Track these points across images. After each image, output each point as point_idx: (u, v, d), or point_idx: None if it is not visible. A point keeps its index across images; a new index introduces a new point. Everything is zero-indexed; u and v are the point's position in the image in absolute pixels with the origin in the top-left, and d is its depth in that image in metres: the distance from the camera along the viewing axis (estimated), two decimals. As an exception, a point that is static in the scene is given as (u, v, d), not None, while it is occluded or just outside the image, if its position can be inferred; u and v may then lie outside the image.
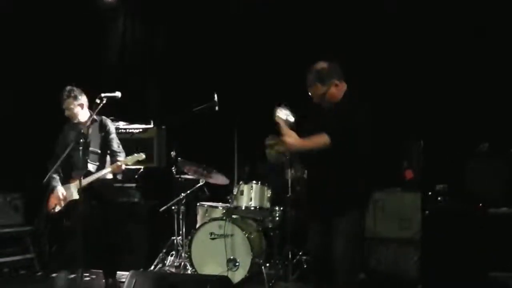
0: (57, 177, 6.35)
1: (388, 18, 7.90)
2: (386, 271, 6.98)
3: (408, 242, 6.92)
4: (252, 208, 6.83)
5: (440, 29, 7.74)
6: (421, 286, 6.50)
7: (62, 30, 8.68)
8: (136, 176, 7.83)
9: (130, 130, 8.00)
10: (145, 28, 9.27)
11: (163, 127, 8.01)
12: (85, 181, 6.08)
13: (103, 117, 6.46)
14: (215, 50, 8.61)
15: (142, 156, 6.32)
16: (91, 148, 6.29)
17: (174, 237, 7.28)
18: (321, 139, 4.52)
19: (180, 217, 7.20)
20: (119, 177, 6.73)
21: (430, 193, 7.15)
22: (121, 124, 8.05)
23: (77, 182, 6.09)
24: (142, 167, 7.78)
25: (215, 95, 6.91)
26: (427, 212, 7.04)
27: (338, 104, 4.74)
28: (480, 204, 6.88)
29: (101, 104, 5.62)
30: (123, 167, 6.25)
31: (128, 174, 7.86)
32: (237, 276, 6.55)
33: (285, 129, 4.68)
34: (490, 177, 7.09)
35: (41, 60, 8.57)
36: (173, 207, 7.22)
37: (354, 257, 4.65)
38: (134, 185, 7.83)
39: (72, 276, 7.05)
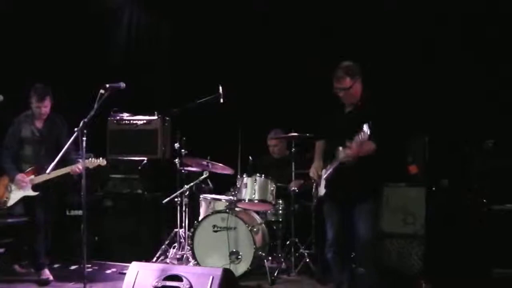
0: (14, 166, 6.60)
1: (390, 13, 7.86)
2: (389, 266, 6.97)
3: (412, 237, 6.90)
4: (256, 201, 6.80)
5: (443, 24, 7.69)
6: (424, 281, 6.47)
7: (66, 19, 8.63)
8: (140, 168, 7.80)
9: (134, 122, 7.98)
10: (152, 20, 9.23)
11: (167, 118, 7.99)
12: (41, 177, 6.47)
13: (57, 114, 6.77)
14: (221, 42, 8.60)
15: (104, 162, 6.58)
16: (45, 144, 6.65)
17: (177, 229, 7.27)
18: (371, 147, 5.00)
19: (183, 209, 7.19)
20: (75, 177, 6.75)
21: (434, 188, 7.13)
22: (125, 115, 8.03)
23: (31, 177, 6.53)
24: (145, 158, 7.76)
25: (220, 87, 6.89)
26: (431, 207, 7.03)
27: (363, 105, 5.26)
28: (484, 200, 6.86)
29: (106, 95, 5.57)
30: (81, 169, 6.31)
31: (131, 166, 7.87)
32: (240, 269, 6.54)
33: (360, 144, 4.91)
34: (494, 173, 7.06)
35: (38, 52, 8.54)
36: (176, 199, 7.20)
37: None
38: (137, 176, 7.81)
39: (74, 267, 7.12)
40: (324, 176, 5.39)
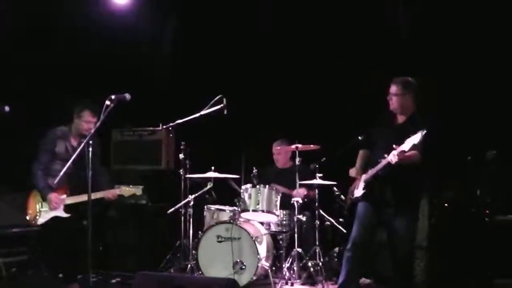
0: (47, 185, 6.38)
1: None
2: (390, 275, 6.97)
3: (415, 248, 6.91)
4: (260, 211, 6.83)
5: (448, 34, 7.73)
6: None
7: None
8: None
9: (139, 132, 8.02)
10: (156, 29, 9.27)
11: (172, 129, 8.01)
12: (73, 198, 6.29)
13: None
14: (226, 53, 8.63)
15: (140, 191, 6.46)
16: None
17: (181, 240, 7.29)
18: (418, 157, 5.27)
19: (188, 219, 7.22)
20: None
21: (436, 200, 7.15)
22: (129, 126, 8.08)
23: (63, 196, 6.32)
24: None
25: (224, 99, 6.92)
26: (433, 219, 7.05)
27: (414, 119, 5.48)
28: (487, 211, 6.88)
29: (111, 106, 5.59)
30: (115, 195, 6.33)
31: (136, 176, 7.91)
32: (244, 279, 6.56)
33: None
34: (497, 184, 7.08)
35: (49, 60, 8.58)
36: (180, 210, 7.23)
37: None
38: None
39: (79, 277, 7.13)
40: (364, 178, 5.59)
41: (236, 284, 5.61)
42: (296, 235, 6.89)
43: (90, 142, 5.44)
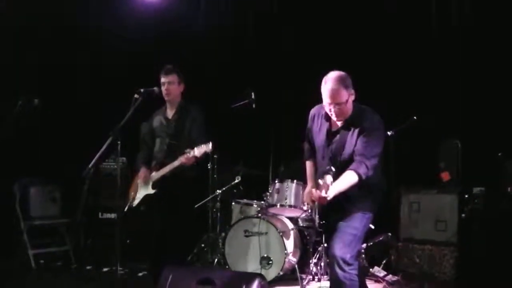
0: (142, 163, 6.07)
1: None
2: (420, 272, 6.94)
3: (444, 244, 6.88)
4: (287, 206, 6.81)
5: (476, 28, 7.63)
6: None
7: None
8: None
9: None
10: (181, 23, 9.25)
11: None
12: (157, 174, 5.88)
13: (193, 102, 6.13)
14: (255, 49, 8.60)
15: (209, 147, 5.69)
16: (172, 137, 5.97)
17: (209, 234, 7.30)
18: (352, 179, 4.42)
19: (215, 213, 7.22)
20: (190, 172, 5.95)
21: (467, 195, 7.08)
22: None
23: (153, 173, 5.96)
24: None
25: (252, 93, 6.91)
26: (464, 214, 6.99)
27: (353, 119, 4.61)
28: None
29: (140, 99, 5.60)
30: (192, 158, 5.64)
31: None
32: (271, 274, 6.55)
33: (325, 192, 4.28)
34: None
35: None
36: (208, 204, 7.24)
37: None
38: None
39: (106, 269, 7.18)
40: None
41: (264, 280, 5.61)
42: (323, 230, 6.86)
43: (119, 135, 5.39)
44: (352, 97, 4.59)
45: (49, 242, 7.80)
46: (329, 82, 4.52)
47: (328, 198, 4.27)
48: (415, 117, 6.72)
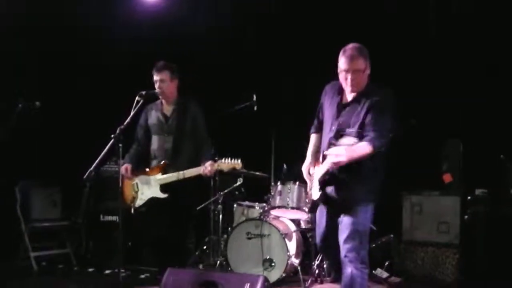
0: (130, 160, 5.96)
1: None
2: (423, 274, 6.94)
3: (447, 246, 6.87)
4: (290, 208, 6.80)
5: (478, 27, 7.62)
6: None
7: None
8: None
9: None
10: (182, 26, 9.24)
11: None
12: (170, 177, 5.75)
13: (191, 97, 6.04)
14: (256, 49, 8.59)
15: (240, 164, 5.69)
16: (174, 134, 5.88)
17: (211, 236, 7.29)
18: (365, 149, 4.37)
19: (217, 216, 7.20)
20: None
21: (469, 197, 7.07)
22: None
23: (158, 175, 5.86)
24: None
25: (254, 95, 6.90)
26: (466, 216, 6.98)
27: (367, 93, 4.56)
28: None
29: (141, 102, 5.59)
30: (214, 171, 5.64)
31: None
32: (273, 276, 6.52)
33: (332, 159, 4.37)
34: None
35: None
36: (210, 206, 7.22)
37: None
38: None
39: (108, 271, 7.16)
40: (317, 177, 4.74)
41: (268, 281, 5.60)
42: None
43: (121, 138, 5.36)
44: (368, 71, 4.57)
45: (50, 245, 7.79)
46: (348, 50, 4.56)
47: (343, 159, 4.29)
48: (412, 121, 6.72)
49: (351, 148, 4.36)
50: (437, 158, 7.36)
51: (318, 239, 4.97)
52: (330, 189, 4.66)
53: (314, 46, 8.22)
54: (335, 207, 4.69)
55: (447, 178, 7.26)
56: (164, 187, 5.80)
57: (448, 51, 7.71)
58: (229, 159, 5.73)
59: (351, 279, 4.53)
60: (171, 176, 5.75)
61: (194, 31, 8.58)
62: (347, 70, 4.52)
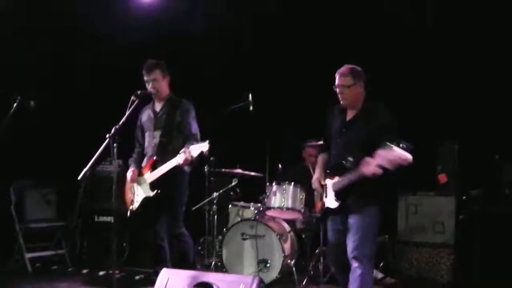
0: (134, 163, 5.98)
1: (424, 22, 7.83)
2: (418, 275, 6.94)
3: (442, 247, 6.88)
4: (285, 209, 6.78)
5: (476, 30, 7.63)
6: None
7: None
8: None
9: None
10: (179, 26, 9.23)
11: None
12: (154, 174, 5.73)
13: (183, 98, 6.00)
14: (251, 49, 8.59)
15: (206, 146, 5.47)
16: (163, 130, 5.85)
17: (205, 237, 7.27)
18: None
19: (212, 216, 7.19)
20: (186, 169, 5.84)
21: (464, 198, 7.08)
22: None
23: (147, 173, 5.83)
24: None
25: (250, 95, 6.89)
26: (461, 216, 6.99)
27: (366, 113, 4.94)
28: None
29: (137, 101, 5.56)
30: (188, 159, 5.44)
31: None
32: (268, 277, 6.52)
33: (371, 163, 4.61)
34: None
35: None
36: (204, 207, 7.20)
37: None
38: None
39: (103, 272, 7.14)
40: (334, 188, 4.99)
41: (262, 282, 5.58)
42: (321, 233, 6.84)
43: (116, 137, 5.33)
44: (359, 89, 4.96)
45: (45, 246, 7.75)
46: (341, 68, 5.01)
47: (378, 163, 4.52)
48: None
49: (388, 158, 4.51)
50: (433, 158, 7.36)
51: (332, 242, 5.18)
52: (347, 198, 4.92)
53: (311, 47, 8.23)
54: (348, 212, 4.94)
55: (443, 178, 7.26)
56: (152, 185, 5.78)
57: (444, 54, 7.73)
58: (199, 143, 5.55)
59: (361, 277, 4.78)
60: (156, 173, 5.73)
61: (191, 32, 8.57)
62: (336, 85, 4.99)
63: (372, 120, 4.85)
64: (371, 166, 4.58)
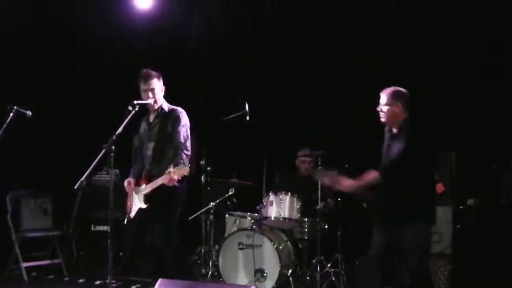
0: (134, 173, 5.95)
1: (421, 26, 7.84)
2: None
3: (439, 256, 6.86)
4: (282, 218, 6.77)
5: (474, 38, 7.65)
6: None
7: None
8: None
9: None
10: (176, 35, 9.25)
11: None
12: (147, 187, 5.69)
13: (182, 109, 5.90)
14: (249, 59, 8.60)
15: (187, 169, 5.41)
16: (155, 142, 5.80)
17: (202, 246, 7.26)
18: (372, 177, 5.09)
19: (208, 226, 7.18)
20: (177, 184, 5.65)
21: (461, 207, 7.08)
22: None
23: (143, 185, 5.79)
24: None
25: (246, 104, 6.89)
26: (458, 226, 6.98)
27: (399, 129, 5.23)
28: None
29: (133, 111, 5.54)
30: (173, 180, 5.41)
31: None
32: (265, 287, 6.49)
33: (338, 181, 5.19)
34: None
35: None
36: (201, 216, 7.19)
37: None
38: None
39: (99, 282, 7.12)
40: None
41: (259, 292, 5.58)
42: (318, 242, 6.83)
43: (112, 147, 5.32)
44: (397, 109, 5.20)
45: (41, 255, 7.74)
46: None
47: None
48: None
49: None
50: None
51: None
52: None
53: (308, 56, 8.24)
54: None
55: (439, 188, 7.25)
56: (146, 197, 5.72)
57: (441, 62, 7.75)
58: (182, 165, 5.47)
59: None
60: (149, 186, 5.67)
61: (188, 40, 8.60)
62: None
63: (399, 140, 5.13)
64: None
